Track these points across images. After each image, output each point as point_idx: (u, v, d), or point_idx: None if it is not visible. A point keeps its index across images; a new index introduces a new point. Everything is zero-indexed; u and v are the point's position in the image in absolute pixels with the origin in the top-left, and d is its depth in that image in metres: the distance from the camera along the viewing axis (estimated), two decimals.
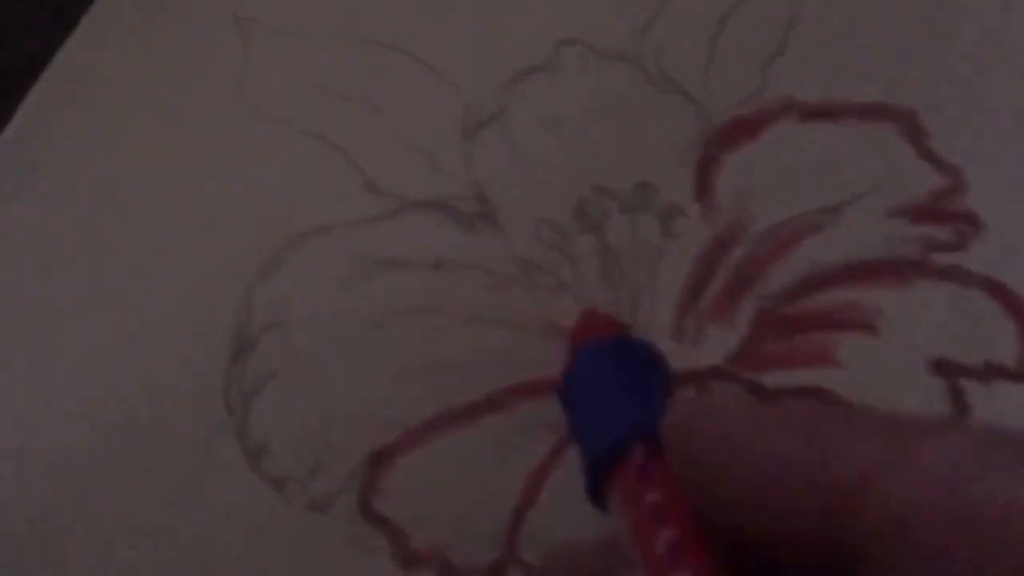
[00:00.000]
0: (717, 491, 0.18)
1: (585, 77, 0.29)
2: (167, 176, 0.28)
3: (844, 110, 0.29)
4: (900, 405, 0.26)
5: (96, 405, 0.26)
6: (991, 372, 0.26)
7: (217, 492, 0.25)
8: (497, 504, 0.25)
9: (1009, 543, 0.14)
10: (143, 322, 0.27)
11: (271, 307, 0.27)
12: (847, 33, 0.29)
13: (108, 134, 0.29)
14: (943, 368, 0.27)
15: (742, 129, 0.28)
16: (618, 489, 0.20)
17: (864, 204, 0.28)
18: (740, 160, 0.28)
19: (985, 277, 0.27)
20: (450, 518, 0.25)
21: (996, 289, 0.27)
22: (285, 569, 0.25)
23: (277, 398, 0.26)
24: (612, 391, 0.22)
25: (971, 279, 0.27)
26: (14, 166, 0.29)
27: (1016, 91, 0.29)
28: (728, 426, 0.18)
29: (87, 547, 0.25)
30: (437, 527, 0.25)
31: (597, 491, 0.21)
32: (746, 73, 0.29)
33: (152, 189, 0.28)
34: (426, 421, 0.26)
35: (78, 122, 0.29)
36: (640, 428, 0.21)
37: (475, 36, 0.29)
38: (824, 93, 0.29)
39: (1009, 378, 0.26)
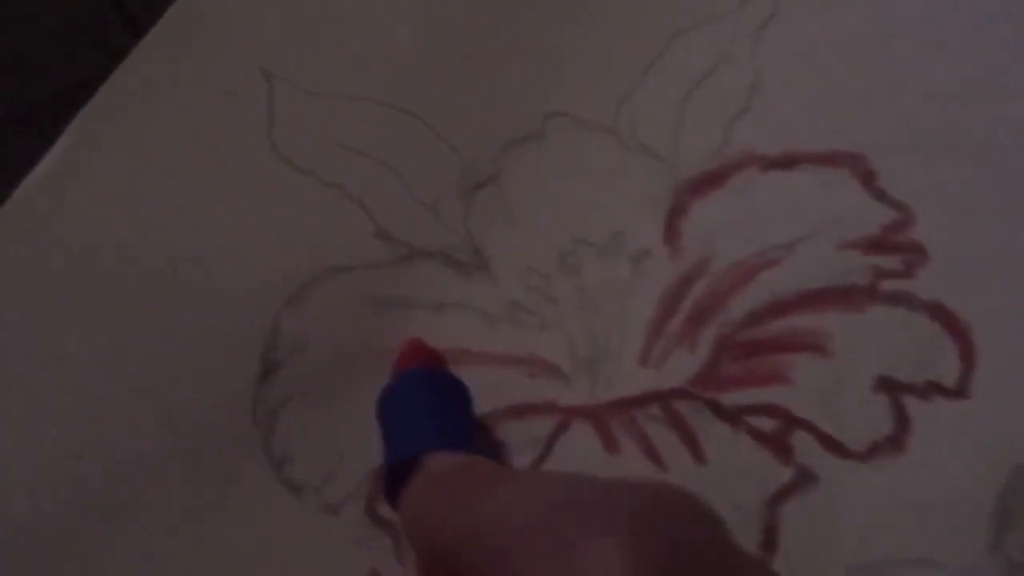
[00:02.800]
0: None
1: (569, 144, 0.33)
2: (200, 212, 0.32)
3: (800, 158, 0.32)
4: (847, 419, 0.29)
5: (134, 414, 0.31)
6: (931, 390, 0.28)
7: (243, 495, 0.30)
8: None
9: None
10: (179, 342, 0.31)
11: (295, 334, 0.31)
12: (804, 91, 0.32)
13: (148, 171, 0.33)
14: (887, 386, 0.29)
15: (708, 181, 0.32)
16: (401, 511, 0.25)
17: (819, 239, 0.31)
18: (706, 208, 0.32)
19: (930, 302, 0.29)
20: None
21: (940, 313, 0.29)
22: (300, 564, 0.29)
23: (298, 414, 0.30)
24: (416, 413, 0.27)
25: (918, 304, 0.30)
26: (53, 199, 0.33)
27: (959, 130, 0.31)
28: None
29: (120, 542, 0.29)
30: None
31: (392, 492, 0.26)
32: (711, 132, 0.32)
33: (188, 222, 0.32)
34: None
35: (118, 162, 0.33)
36: (433, 447, 0.25)
37: (475, 105, 0.33)
38: (783, 146, 0.32)
39: (947, 395, 0.28)
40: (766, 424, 0.29)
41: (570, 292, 0.31)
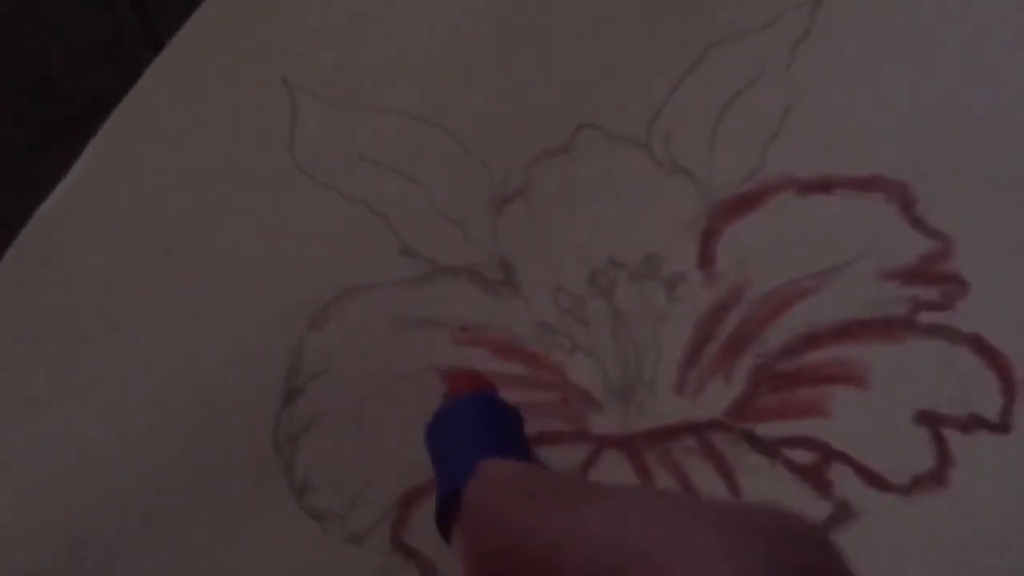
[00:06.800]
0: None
1: (601, 159, 0.32)
2: (222, 231, 0.31)
3: (838, 183, 0.31)
4: (887, 453, 0.28)
5: (154, 440, 0.29)
6: (973, 423, 0.28)
7: (264, 523, 0.28)
8: None
9: None
10: (201, 365, 0.30)
11: (318, 357, 0.30)
12: (841, 113, 0.32)
13: (167, 188, 0.32)
14: (927, 419, 0.28)
15: (743, 203, 0.31)
16: (457, 526, 0.24)
17: (856, 268, 0.30)
18: (740, 231, 0.31)
19: (970, 334, 0.29)
20: None
21: (980, 346, 0.29)
22: None
23: (321, 440, 0.29)
24: (472, 439, 0.26)
25: (957, 336, 0.29)
26: (76, 219, 0.32)
27: (1000, 159, 0.31)
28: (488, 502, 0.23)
29: (141, 570, 0.28)
30: None
31: (445, 520, 0.25)
32: (746, 153, 0.32)
33: (209, 243, 0.31)
34: None
35: (137, 177, 0.32)
36: None
37: (503, 117, 0.32)
38: (819, 169, 0.31)
39: (990, 429, 0.28)
40: (804, 457, 0.29)
41: (602, 315, 0.31)
